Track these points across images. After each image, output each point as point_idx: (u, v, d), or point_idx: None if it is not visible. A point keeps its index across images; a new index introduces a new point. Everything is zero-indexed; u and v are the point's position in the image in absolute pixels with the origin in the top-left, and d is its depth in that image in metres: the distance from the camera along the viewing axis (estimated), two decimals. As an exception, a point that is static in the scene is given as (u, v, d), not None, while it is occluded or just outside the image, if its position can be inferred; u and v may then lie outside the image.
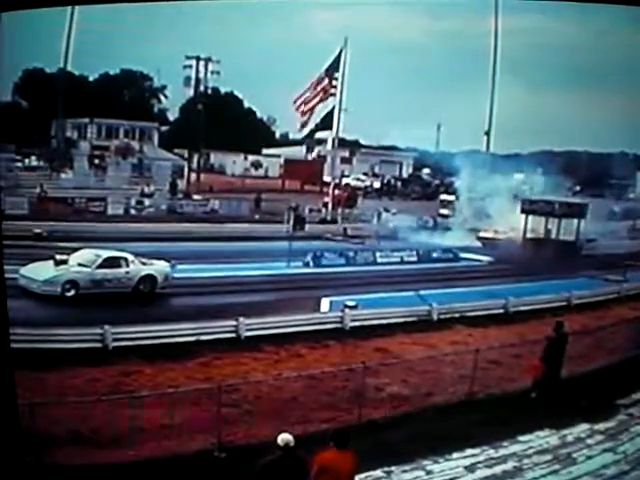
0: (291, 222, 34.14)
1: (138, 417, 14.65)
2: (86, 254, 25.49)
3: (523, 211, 42.74)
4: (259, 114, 67.38)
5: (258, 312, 23.56)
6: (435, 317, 25.78)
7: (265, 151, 63.89)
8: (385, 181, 58.25)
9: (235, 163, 60.83)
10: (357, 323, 24.06)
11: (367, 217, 46.73)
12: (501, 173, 54.39)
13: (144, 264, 25.87)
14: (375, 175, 60.24)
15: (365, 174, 60.13)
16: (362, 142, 63.92)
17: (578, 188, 62.17)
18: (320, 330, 23.11)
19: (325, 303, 26.53)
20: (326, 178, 53.27)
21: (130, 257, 25.72)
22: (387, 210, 48.26)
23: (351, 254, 35.69)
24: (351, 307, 24.96)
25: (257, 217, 44.87)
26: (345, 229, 43.83)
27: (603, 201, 52.16)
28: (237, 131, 58.58)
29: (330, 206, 48.55)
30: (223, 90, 59.15)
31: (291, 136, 64.30)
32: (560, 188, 59.35)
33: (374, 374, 17.62)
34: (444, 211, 49.68)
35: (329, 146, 49.74)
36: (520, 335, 23.62)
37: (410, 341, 22.93)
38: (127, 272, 25.36)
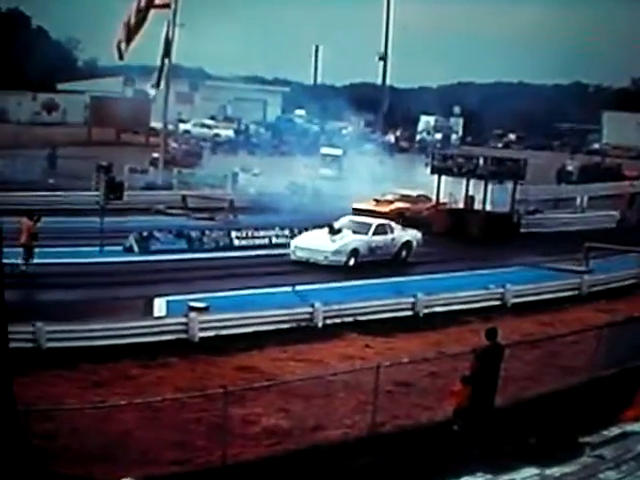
0: (102, 188, 34.02)
1: None
2: (348, 222, 35.53)
3: (434, 170, 43.53)
4: (53, 35, 66.33)
5: (64, 316, 23.66)
6: (320, 322, 26.38)
7: (62, 86, 63.25)
8: (242, 127, 58.09)
9: (20, 105, 59.98)
10: (210, 332, 24.37)
11: (217, 180, 46.97)
12: (402, 114, 55.59)
13: (402, 230, 36.33)
14: (228, 119, 59.90)
15: (213, 118, 59.73)
16: (208, 71, 63.56)
17: (512, 137, 63.65)
18: (156, 342, 23.36)
19: (160, 304, 26.87)
20: (155, 124, 53.11)
21: (392, 223, 36.13)
22: (246, 170, 48.52)
23: (195, 234, 36.07)
24: (199, 309, 25.27)
25: (52, 181, 44.69)
26: (184, 198, 43.99)
27: (551, 155, 53.40)
28: (22, 60, 57.55)
29: (161, 164, 48.51)
30: (4, 6, 58.29)
31: (101, 64, 63.80)
32: (486, 137, 60.88)
33: (240, 402, 18.00)
34: (326, 171, 50.16)
35: (157, 77, 49.49)
36: (437, 347, 24.47)
37: (286, 356, 23.42)
38: (393, 239, 35.69)
